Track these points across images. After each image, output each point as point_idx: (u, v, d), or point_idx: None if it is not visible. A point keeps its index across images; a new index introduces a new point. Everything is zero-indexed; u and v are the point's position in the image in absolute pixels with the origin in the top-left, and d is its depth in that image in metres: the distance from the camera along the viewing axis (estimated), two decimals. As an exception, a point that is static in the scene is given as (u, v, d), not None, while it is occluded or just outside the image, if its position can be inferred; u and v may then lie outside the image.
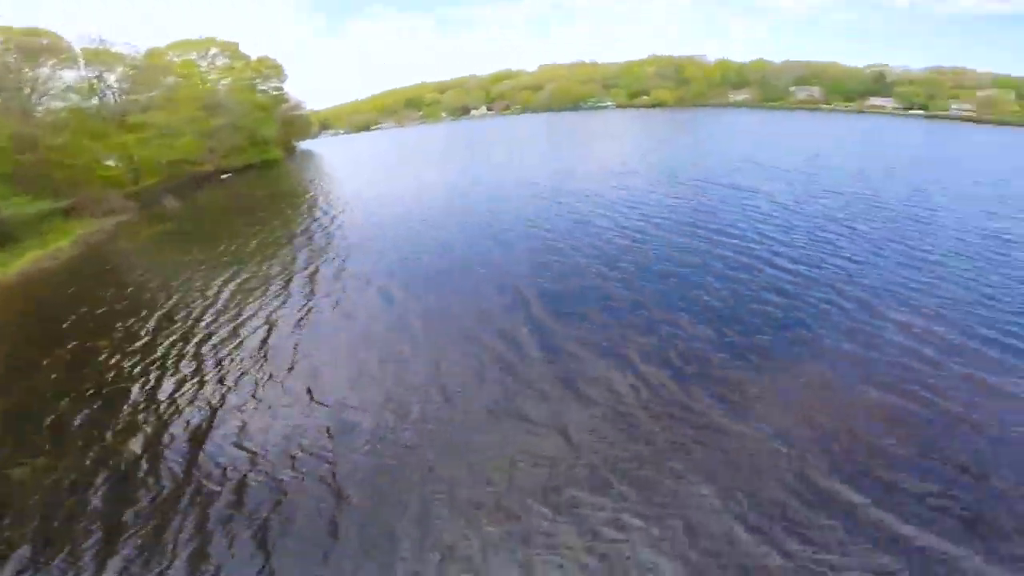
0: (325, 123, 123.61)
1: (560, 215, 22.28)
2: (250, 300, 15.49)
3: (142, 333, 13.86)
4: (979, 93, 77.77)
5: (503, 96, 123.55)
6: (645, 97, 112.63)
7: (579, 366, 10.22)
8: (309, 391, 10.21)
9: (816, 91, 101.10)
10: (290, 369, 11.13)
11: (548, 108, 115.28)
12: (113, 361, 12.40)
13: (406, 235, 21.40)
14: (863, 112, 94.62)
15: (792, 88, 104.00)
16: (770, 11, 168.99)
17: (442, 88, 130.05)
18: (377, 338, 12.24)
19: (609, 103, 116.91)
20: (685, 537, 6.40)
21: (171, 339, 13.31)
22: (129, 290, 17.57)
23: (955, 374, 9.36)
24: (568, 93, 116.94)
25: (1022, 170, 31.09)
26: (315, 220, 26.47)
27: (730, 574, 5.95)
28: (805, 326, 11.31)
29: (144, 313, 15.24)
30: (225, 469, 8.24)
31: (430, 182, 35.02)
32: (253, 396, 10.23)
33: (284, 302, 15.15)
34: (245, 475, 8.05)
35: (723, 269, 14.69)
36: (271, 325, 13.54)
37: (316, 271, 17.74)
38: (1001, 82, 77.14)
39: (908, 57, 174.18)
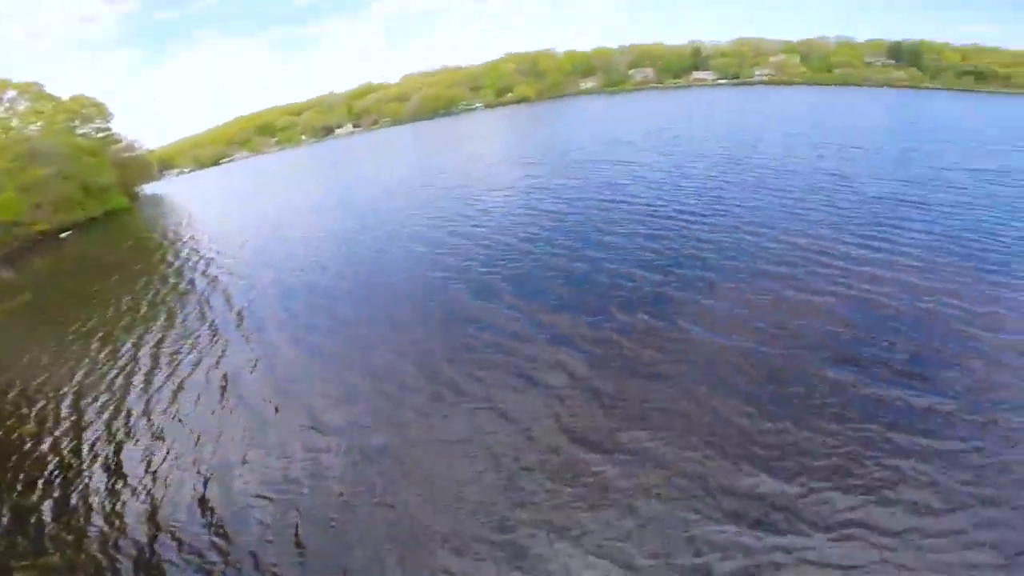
0: (166, 162, 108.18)
1: (448, 222, 21.41)
2: (142, 368, 13.08)
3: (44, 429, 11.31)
4: (772, 59, 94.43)
5: (369, 111, 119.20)
6: (510, 94, 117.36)
7: (530, 350, 10.49)
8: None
9: (650, 72, 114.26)
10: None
11: (418, 117, 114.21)
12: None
13: (287, 275, 18.58)
14: (691, 86, 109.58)
15: (630, 71, 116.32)
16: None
17: (297, 110, 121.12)
18: (285, 377, 11.29)
19: (478, 104, 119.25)
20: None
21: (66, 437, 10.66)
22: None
23: (831, 266, 12.62)
24: (436, 99, 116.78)
25: (821, 122, 38.90)
26: (179, 270, 22.62)
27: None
28: (724, 257, 13.52)
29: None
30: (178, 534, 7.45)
31: (297, 207, 32.80)
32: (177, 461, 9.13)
33: (179, 363, 12.98)
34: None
35: (643, 230, 16.41)
36: (178, 388, 11.73)
37: (198, 322, 15.46)
38: (787, 48, 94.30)
39: (718, 31, 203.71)
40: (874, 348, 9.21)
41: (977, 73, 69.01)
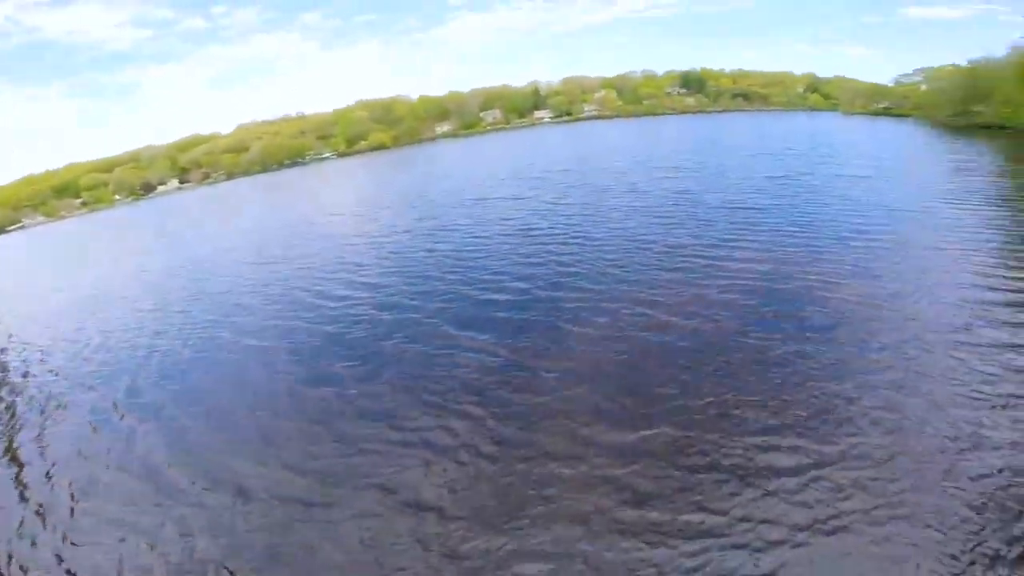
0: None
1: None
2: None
3: None
4: (596, 95, 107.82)
5: (198, 164, 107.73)
6: (363, 142, 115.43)
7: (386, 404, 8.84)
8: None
9: (498, 113, 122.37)
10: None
11: (260, 169, 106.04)
12: None
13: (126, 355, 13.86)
14: (534, 125, 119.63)
15: (482, 113, 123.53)
16: (446, 44, 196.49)
17: (107, 166, 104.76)
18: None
19: (329, 154, 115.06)
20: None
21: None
22: None
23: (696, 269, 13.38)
24: (280, 149, 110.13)
25: (652, 151, 43.98)
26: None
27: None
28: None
29: None
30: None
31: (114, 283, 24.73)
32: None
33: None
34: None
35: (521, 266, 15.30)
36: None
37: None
38: (605, 84, 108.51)
39: (550, 72, 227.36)
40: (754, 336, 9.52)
41: (744, 95, 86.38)
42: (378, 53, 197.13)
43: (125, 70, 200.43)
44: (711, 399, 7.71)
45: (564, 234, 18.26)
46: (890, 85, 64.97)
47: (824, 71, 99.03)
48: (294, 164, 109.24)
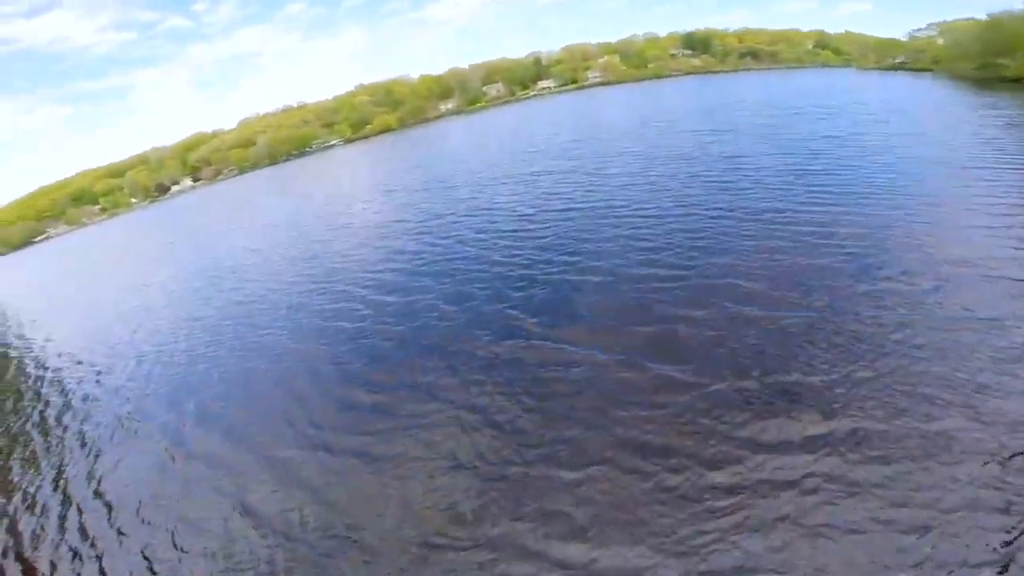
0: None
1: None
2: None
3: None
4: (599, 61, 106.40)
5: (208, 161, 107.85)
6: (369, 126, 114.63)
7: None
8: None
9: (501, 86, 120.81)
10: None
11: (268, 162, 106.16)
12: None
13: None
14: (539, 95, 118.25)
15: (484, 88, 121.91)
16: (435, 24, 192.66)
17: (118, 170, 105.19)
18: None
19: (335, 141, 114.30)
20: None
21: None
22: None
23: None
24: (287, 141, 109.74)
25: (680, 113, 42.52)
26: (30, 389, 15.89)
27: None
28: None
29: None
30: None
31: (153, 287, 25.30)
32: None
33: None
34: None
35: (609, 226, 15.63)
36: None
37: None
38: (608, 49, 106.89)
39: (551, 41, 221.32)
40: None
41: (752, 53, 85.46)
42: (366, 39, 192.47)
43: (113, 75, 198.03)
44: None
45: (627, 207, 17.06)
46: (904, 39, 64.56)
47: (827, 28, 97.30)
48: (302, 154, 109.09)
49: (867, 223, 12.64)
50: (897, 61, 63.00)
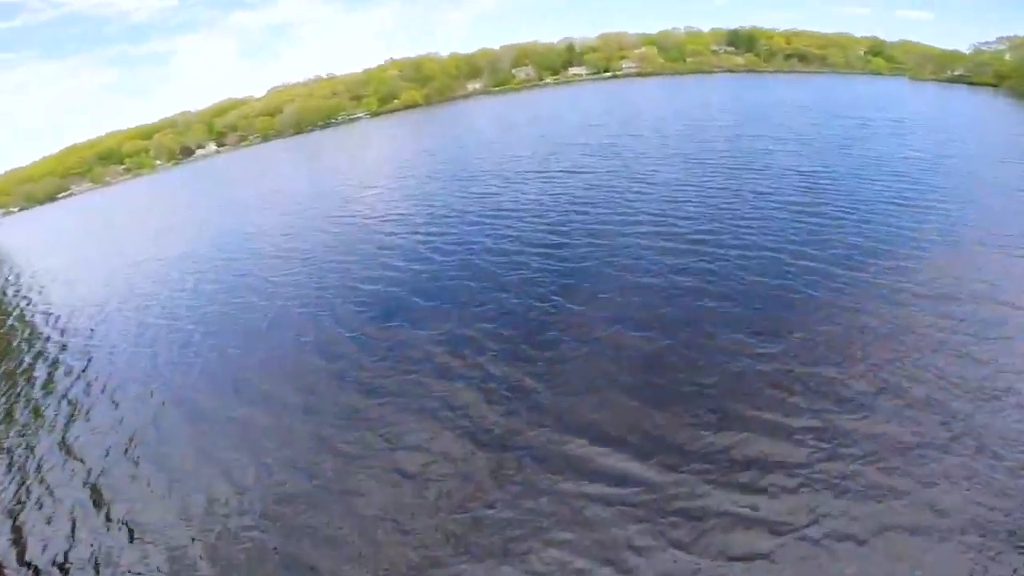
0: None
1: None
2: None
3: None
4: (635, 51, 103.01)
5: (234, 127, 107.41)
6: (396, 101, 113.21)
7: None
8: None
9: (531, 69, 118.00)
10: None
11: (293, 131, 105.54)
12: None
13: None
14: (569, 82, 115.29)
15: (514, 70, 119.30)
16: (467, 3, 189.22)
17: (146, 132, 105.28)
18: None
19: (361, 114, 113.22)
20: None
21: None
22: None
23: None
24: (314, 111, 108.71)
25: (733, 116, 40.00)
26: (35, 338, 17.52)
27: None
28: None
29: None
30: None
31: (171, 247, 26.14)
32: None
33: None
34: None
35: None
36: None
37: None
38: (647, 40, 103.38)
39: (586, 28, 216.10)
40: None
41: (800, 55, 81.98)
42: (402, 14, 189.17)
43: (154, 40, 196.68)
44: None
45: (691, 234, 15.06)
46: (967, 52, 61.17)
47: (882, 35, 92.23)
48: (327, 125, 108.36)
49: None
50: (956, 74, 59.97)
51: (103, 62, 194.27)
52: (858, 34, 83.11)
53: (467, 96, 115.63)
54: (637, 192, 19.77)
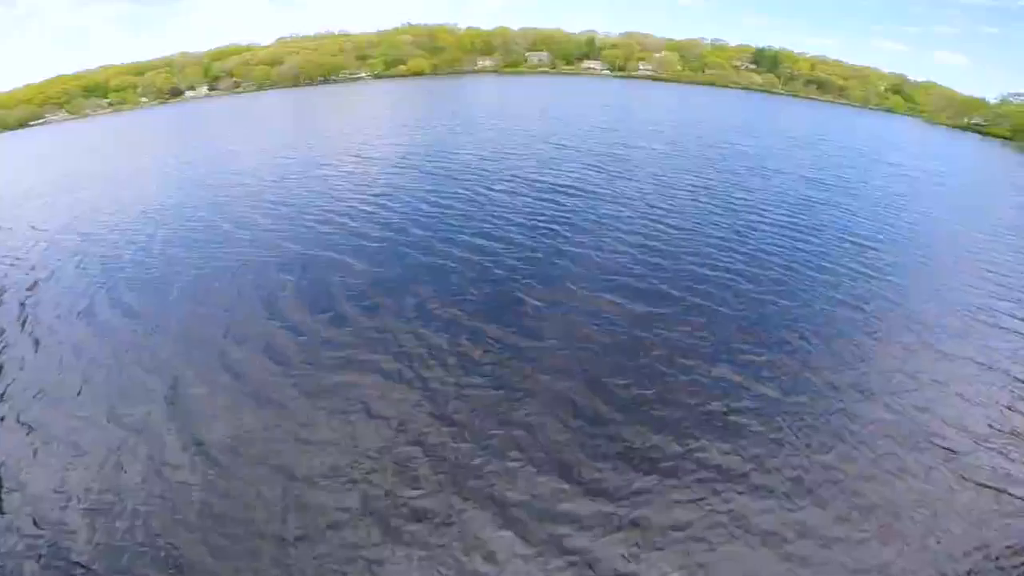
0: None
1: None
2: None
3: None
4: (655, 55, 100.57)
5: (230, 73, 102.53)
6: (402, 67, 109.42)
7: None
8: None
9: (545, 55, 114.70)
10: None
11: (290, 84, 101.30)
12: None
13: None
14: (581, 74, 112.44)
15: (528, 54, 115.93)
16: None
17: (139, 69, 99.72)
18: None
19: (363, 74, 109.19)
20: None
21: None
22: None
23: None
24: (315, 66, 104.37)
25: (692, 120, 41.26)
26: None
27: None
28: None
29: None
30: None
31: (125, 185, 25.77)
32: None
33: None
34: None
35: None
36: None
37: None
38: (670, 46, 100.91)
39: (610, 23, 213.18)
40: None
41: (820, 83, 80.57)
42: None
43: None
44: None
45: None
46: (993, 101, 59.88)
47: (912, 74, 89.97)
48: (326, 82, 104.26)
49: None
50: (972, 122, 59.14)
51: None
52: (886, 70, 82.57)
53: (476, 72, 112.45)
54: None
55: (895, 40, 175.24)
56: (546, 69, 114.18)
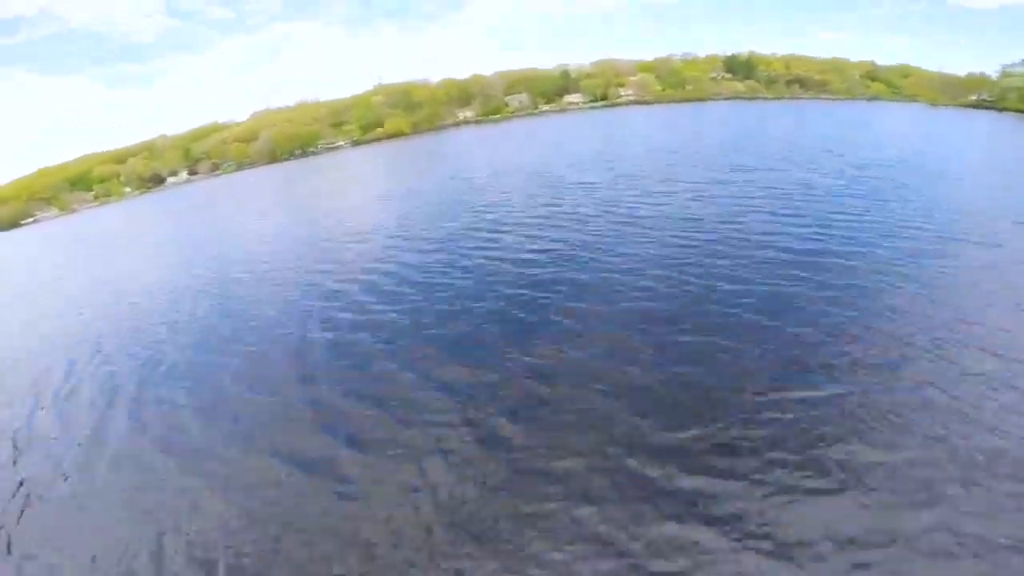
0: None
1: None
2: None
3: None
4: (631, 79, 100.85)
5: (209, 155, 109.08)
6: (379, 129, 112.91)
7: None
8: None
9: (524, 97, 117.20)
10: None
11: (268, 159, 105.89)
12: None
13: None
14: (564, 110, 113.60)
15: (507, 98, 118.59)
16: (463, 27, 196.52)
17: (120, 157, 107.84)
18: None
19: (342, 142, 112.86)
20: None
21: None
22: None
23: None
24: (291, 138, 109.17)
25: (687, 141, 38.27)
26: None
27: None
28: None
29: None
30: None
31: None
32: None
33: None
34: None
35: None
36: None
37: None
38: (643, 67, 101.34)
39: (580, 54, 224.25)
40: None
41: (800, 81, 77.90)
42: (395, 39, 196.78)
43: (152, 60, 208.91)
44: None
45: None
46: (993, 76, 56.01)
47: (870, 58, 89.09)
48: (304, 154, 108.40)
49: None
50: (982, 99, 54.75)
51: (96, 79, 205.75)
52: (853, 59, 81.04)
53: (457, 124, 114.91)
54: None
55: (836, 30, 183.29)
56: (528, 110, 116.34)
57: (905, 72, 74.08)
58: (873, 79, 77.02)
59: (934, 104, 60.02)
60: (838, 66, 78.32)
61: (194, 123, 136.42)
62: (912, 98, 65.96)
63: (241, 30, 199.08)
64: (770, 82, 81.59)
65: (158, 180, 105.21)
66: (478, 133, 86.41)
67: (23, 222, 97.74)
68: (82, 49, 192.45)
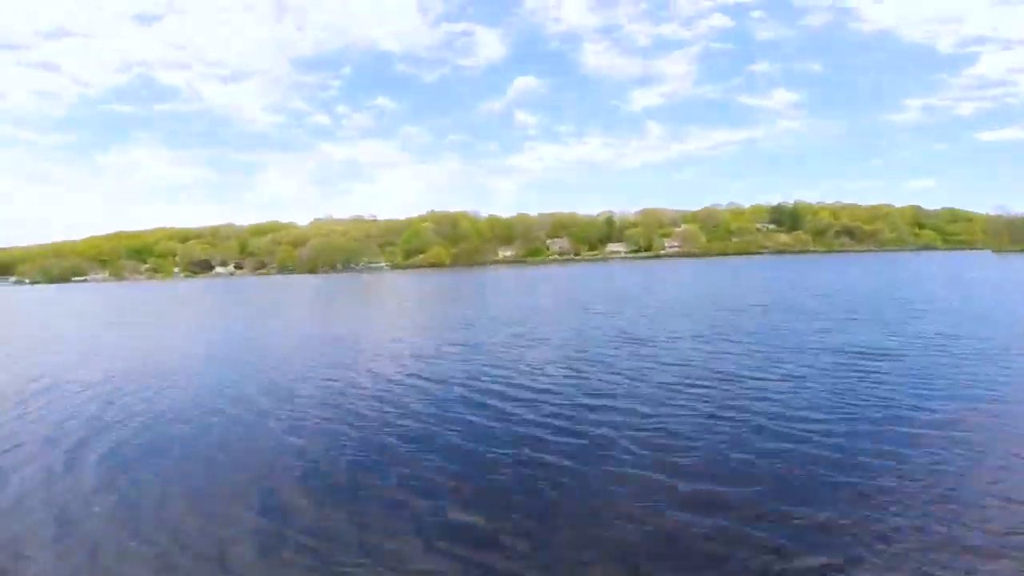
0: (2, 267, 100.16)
1: None
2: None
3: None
4: (676, 230, 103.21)
5: (262, 250, 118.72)
6: (421, 256, 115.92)
7: None
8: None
9: (565, 242, 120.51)
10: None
11: (311, 268, 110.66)
12: None
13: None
14: (607, 259, 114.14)
15: (549, 241, 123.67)
16: (517, 171, 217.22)
17: (185, 236, 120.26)
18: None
19: (383, 263, 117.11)
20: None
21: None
22: None
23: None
24: (336, 250, 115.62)
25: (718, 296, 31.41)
26: None
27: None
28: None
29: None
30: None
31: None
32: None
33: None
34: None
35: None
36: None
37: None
38: (687, 217, 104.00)
39: (625, 202, 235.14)
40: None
41: (849, 231, 75.65)
42: (458, 170, 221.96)
43: (252, 150, 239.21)
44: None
45: None
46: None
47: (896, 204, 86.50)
48: (346, 268, 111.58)
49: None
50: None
51: (203, 161, 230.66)
52: (897, 204, 79.04)
53: (496, 263, 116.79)
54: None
55: (869, 178, 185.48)
56: (568, 256, 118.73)
57: (953, 216, 70.78)
58: (920, 225, 74.86)
59: (998, 251, 55.30)
60: (886, 213, 76.06)
61: (260, 217, 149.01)
62: (967, 244, 60.88)
63: (331, 139, 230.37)
64: (817, 233, 79.81)
65: (206, 267, 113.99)
66: (516, 273, 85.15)
67: (75, 279, 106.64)
68: (208, 129, 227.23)
